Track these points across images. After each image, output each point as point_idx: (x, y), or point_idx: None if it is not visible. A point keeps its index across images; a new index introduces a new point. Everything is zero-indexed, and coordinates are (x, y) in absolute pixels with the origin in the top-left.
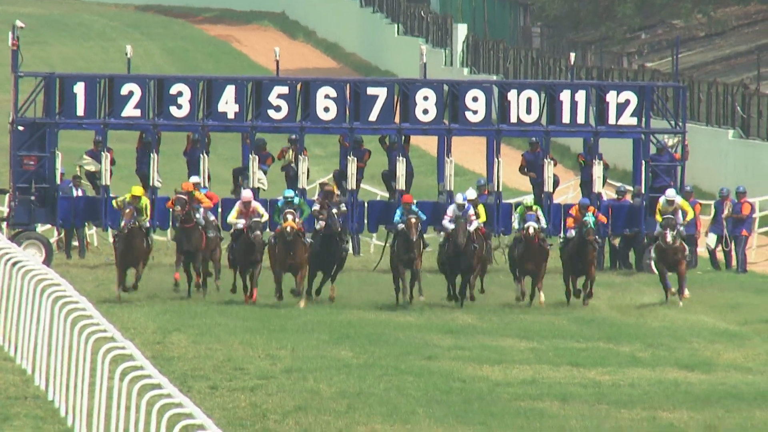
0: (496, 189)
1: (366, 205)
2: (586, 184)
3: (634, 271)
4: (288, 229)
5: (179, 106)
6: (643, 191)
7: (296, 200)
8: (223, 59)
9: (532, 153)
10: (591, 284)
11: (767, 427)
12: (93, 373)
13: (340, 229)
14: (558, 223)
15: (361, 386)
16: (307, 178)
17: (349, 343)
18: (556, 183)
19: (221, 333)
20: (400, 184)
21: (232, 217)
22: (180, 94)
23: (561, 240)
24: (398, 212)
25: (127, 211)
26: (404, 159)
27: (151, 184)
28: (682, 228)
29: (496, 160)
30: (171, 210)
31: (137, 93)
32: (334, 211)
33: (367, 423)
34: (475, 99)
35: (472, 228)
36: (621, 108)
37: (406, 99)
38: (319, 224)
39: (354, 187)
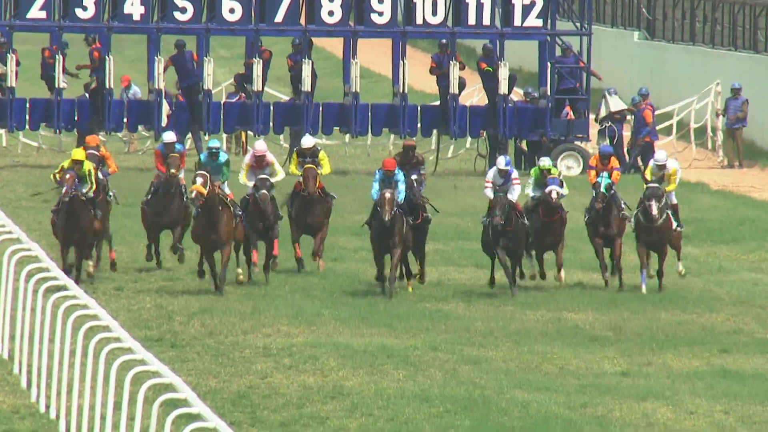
0: (401, 91)
1: (272, 106)
2: (491, 90)
3: None
4: (193, 194)
5: (84, 8)
6: (548, 93)
7: (221, 157)
8: None
9: (441, 55)
10: (611, 256)
11: (672, 328)
12: None
13: (421, 201)
14: (464, 125)
15: (266, 288)
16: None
17: None
18: (462, 85)
19: (126, 234)
20: (306, 85)
21: (243, 177)
22: None
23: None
24: (376, 180)
25: (68, 176)
26: (309, 61)
27: (56, 85)
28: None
29: (401, 62)
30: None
31: None
32: (414, 177)
33: (272, 324)
34: (380, 1)
35: (515, 196)
36: (527, 10)
37: (311, 1)
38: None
39: (259, 88)
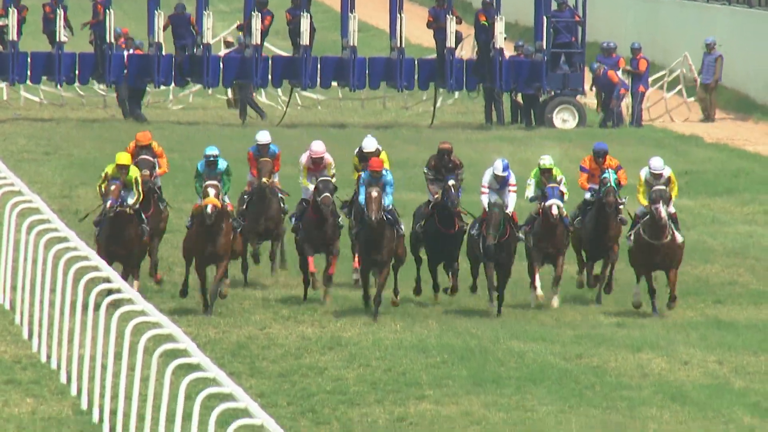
0: (399, 45)
1: (270, 60)
2: (485, 43)
3: (535, 126)
4: (209, 209)
5: None
6: (544, 47)
7: (221, 164)
8: None
9: (438, 9)
10: (611, 270)
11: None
12: None
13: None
14: (460, 78)
15: (265, 242)
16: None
17: None
18: (459, 39)
19: None
20: (304, 39)
21: (303, 180)
22: None
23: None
24: (362, 184)
25: (113, 188)
26: (308, 15)
27: (57, 39)
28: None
29: (399, 16)
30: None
31: None
32: (451, 183)
33: (271, 276)
34: None
35: (511, 207)
36: None
37: None
38: (433, 200)
39: (258, 42)
